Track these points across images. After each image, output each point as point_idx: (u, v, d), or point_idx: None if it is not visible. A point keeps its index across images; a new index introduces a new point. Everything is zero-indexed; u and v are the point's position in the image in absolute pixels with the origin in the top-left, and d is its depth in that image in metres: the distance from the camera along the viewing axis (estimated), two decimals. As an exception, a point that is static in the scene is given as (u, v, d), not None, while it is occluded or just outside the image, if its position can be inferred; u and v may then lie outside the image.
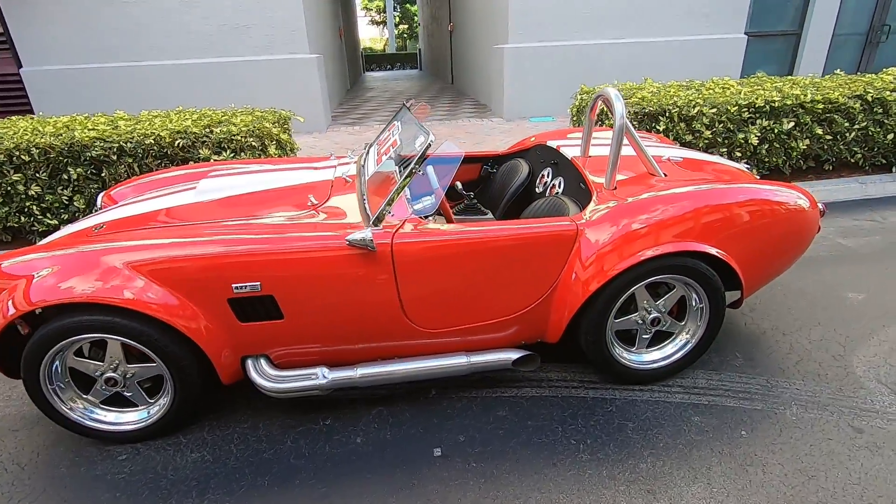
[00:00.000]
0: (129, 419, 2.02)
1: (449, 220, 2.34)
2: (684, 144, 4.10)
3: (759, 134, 4.09)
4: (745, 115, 4.04)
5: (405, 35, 34.71)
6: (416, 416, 2.11)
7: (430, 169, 2.30)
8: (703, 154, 2.76)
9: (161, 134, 3.63)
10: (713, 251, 2.03)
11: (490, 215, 2.77)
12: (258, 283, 1.89)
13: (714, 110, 4.00)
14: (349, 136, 6.87)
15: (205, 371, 2.00)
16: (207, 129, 3.74)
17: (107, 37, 6.62)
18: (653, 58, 7.49)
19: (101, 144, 3.58)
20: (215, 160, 3.70)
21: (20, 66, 6.68)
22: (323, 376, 2.01)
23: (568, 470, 1.83)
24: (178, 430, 2.07)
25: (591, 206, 2.10)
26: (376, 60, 26.51)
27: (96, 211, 2.52)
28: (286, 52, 6.91)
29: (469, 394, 2.23)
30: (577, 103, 4.59)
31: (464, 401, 2.19)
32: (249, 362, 2.01)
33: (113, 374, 1.93)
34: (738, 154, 4.18)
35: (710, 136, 4.06)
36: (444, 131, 6.88)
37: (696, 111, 3.99)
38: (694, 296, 2.15)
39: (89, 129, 3.68)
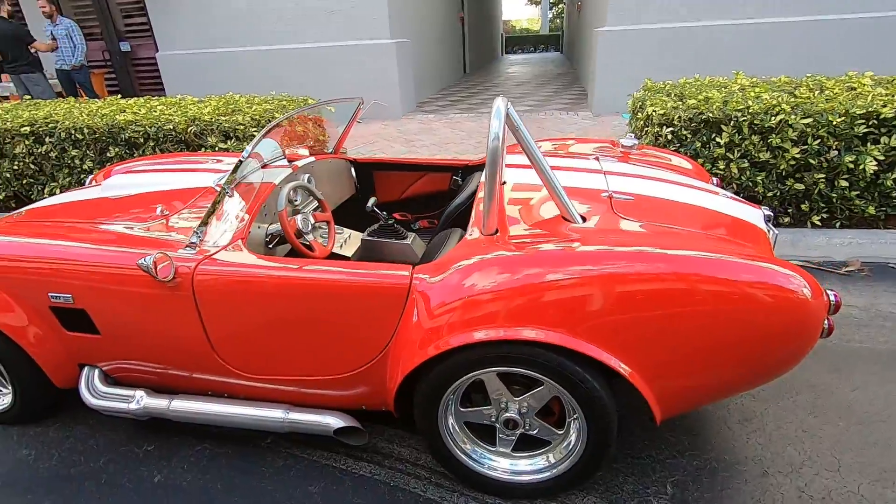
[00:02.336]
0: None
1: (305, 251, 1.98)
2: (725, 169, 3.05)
3: (881, 157, 2.86)
4: (861, 128, 2.84)
5: (562, 16, 33.15)
6: (226, 467, 1.85)
7: (283, 191, 1.96)
8: (694, 192, 1.95)
9: (177, 120, 3.83)
10: (583, 346, 1.38)
11: (409, 239, 2.33)
12: (70, 295, 1.81)
13: (808, 120, 2.88)
14: (418, 125, 6.66)
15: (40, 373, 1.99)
16: (218, 118, 3.84)
17: (217, 25, 7.31)
18: (795, 41, 5.83)
19: (133, 128, 3.91)
20: (220, 149, 3.80)
21: (157, 50, 7.76)
22: (137, 402, 1.87)
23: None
24: (25, 423, 2.12)
25: (449, 254, 1.58)
26: (519, 42, 25.74)
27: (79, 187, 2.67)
28: (366, 38, 6.90)
29: (300, 452, 1.90)
30: (631, 103, 3.72)
31: (289, 459, 1.87)
32: (84, 372, 1.96)
33: None
34: (845, 183, 2.97)
35: (799, 155, 2.94)
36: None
37: (777, 121, 2.91)
38: (569, 401, 1.51)
39: (125, 113, 4.04)
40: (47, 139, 4.10)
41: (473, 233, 1.65)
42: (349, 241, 2.38)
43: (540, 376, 1.45)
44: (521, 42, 26.05)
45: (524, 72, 13.30)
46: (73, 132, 4.02)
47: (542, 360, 1.41)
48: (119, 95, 5.33)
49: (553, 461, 1.61)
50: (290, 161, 2.33)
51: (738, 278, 1.38)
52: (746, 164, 3.06)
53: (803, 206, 3.10)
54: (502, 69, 14.47)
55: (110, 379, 2.01)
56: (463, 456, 1.64)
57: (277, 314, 1.66)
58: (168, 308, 1.72)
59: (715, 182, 2.39)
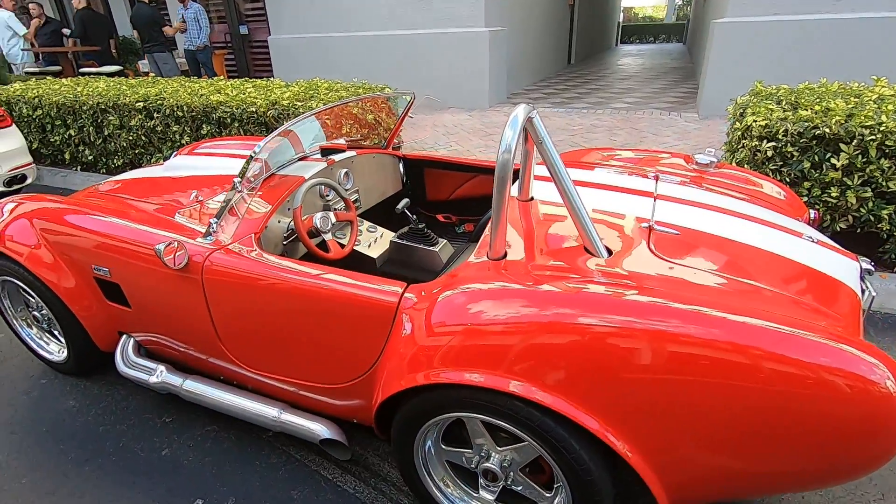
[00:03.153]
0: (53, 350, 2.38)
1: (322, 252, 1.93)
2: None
3: None
4: None
5: (690, 3, 30.30)
6: (224, 453, 1.90)
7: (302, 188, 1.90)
8: (770, 231, 1.58)
9: (259, 104, 4.02)
10: (576, 414, 1.16)
11: (439, 246, 2.19)
12: (108, 269, 1.94)
13: (964, 145, 2.26)
14: (504, 117, 6.43)
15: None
16: (295, 103, 3.97)
17: (318, 11, 7.60)
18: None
19: (222, 108, 4.18)
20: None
21: (269, 34, 8.29)
22: (157, 376, 1.97)
23: None
24: (79, 376, 2.34)
25: (449, 276, 1.43)
26: (637, 31, 23.94)
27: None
28: (459, 26, 6.76)
29: (295, 452, 1.89)
30: (732, 109, 3.22)
31: (282, 458, 1.87)
32: (122, 340, 2.11)
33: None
34: None
35: (945, 189, 2.33)
36: (599, 122, 5.80)
37: (917, 143, 2.32)
38: (554, 466, 1.29)
39: (218, 94, 4.33)
40: (155, 114, 4.54)
41: (479, 254, 1.48)
42: (380, 241, 2.31)
43: (520, 433, 1.26)
44: (641, 31, 24.19)
45: (635, 64, 12.32)
46: (175, 109, 4.40)
47: (523, 417, 1.22)
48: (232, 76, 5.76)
49: None
50: (327, 153, 2.29)
51: (796, 357, 1.07)
52: (869, 194, 2.49)
53: (944, 253, 2.47)
54: (612, 61, 13.55)
55: (143, 350, 2.15)
56: (437, 492, 1.51)
57: (273, 315, 1.64)
58: (182, 293, 1.77)
59: (812, 215, 1.96)
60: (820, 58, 5.15)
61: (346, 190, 2.33)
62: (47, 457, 1.93)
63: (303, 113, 3.47)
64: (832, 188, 2.55)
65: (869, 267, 1.51)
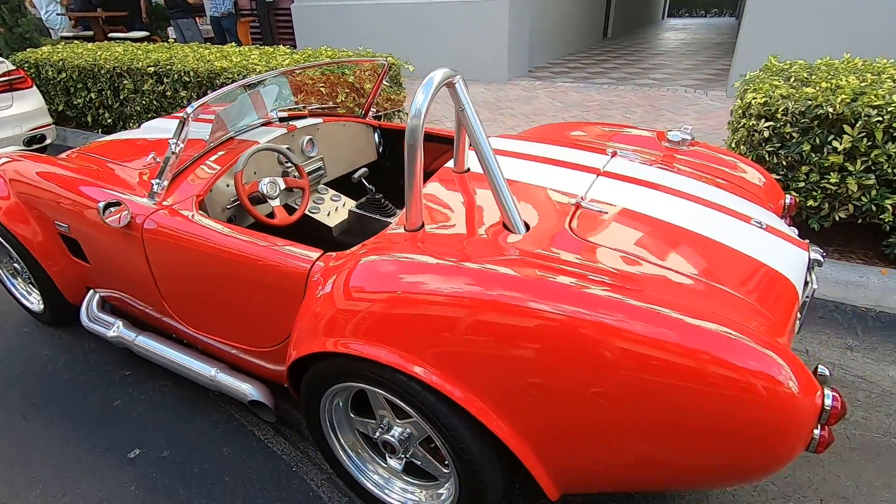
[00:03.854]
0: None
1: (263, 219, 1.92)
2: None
3: None
4: None
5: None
6: (171, 409, 1.96)
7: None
8: (715, 215, 1.47)
9: (259, 69, 4.03)
10: (451, 390, 1.12)
11: (395, 217, 2.16)
12: (67, 225, 2.01)
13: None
14: (520, 91, 6.23)
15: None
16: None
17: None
18: None
19: (225, 74, 4.21)
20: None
21: (293, 1, 8.25)
22: (115, 330, 2.05)
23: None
24: (56, 326, 2.47)
25: (362, 246, 1.41)
26: (686, 3, 22.55)
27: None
28: (480, -6, 6.54)
29: (235, 412, 1.93)
30: (739, 86, 2.99)
31: (222, 416, 1.92)
32: (88, 294, 2.20)
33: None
34: None
35: (959, 178, 2.10)
36: (618, 99, 5.52)
37: (930, 126, 2.09)
38: (438, 441, 1.26)
39: (223, 61, 4.35)
40: (165, 79, 4.63)
41: (398, 225, 1.44)
42: (341, 210, 2.29)
43: (406, 407, 1.23)
44: (691, 3, 22.78)
45: (677, 39, 11.65)
46: (182, 75, 4.47)
47: (404, 391, 1.20)
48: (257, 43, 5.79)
49: (423, 501, 1.41)
50: (292, 119, 2.27)
51: (681, 343, 0.99)
52: (872, 181, 2.28)
53: (954, 250, 2.24)
54: (652, 35, 12.86)
55: (108, 306, 2.23)
56: (344, 457, 1.51)
57: (205, 277, 1.66)
58: (128, 250, 1.82)
59: (788, 201, 1.82)
60: (879, 32, 4.69)
61: (310, 158, 2.31)
62: (12, 399, 2.05)
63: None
64: (832, 174, 2.35)
65: (818, 257, 1.38)
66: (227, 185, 1.95)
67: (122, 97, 5.00)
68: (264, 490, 1.63)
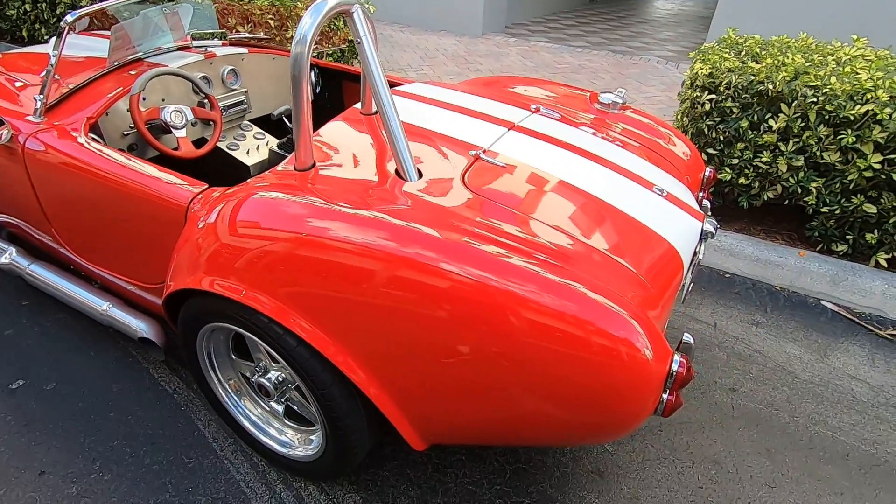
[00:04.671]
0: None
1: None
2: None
3: None
4: None
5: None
6: (65, 341, 1.89)
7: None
8: (615, 178, 1.44)
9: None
10: (287, 318, 1.10)
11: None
12: (-51, 140, 1.85)
13: (909, 117, 2.03)
14: (491, 47, 6.02)
15: None
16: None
17: None
18: None
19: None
20: (236, 30, 3.67)
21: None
22: (7, 257, 1.93)
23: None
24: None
25: (246, 183, 1.33)
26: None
27: None
28: (461, -63, 6.17)
29: (134, 350, 1.87)
30: (693, 57, 2.93)
31: (119, 353, 1.86)
32: None
33: None
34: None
35: (881, 167, 2.13)
36: (589, 64, 5.40)
37: (861, 111, 2.09)
38: (304, 388, 1.24)
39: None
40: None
41: (289, 162, 1.36)
42: (262, 149, 2.18)
43: (272, 352, 1.20)
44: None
45: (664, 9, 11.39)
46: (123, -8, 4.12)
47: (280, 344, 1.16)
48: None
49: (294, 443, 1.41)
50: (211, 46, 2.11)
51: (539, 299, 0.97)
52: (801, 163, 2.29)
53: (869, 237, 2.30)
54: (641, 2, 12.55)
55: (6, 231, 2.10)
56: (223, 395, 1.48)
57: (90, 204, 1.56)
58: (9, 170, 1.69)
59: (708, 174, 1.80)
60: (860, 13, 4.64)
61: (231, 91, 2.17)
62: None
63: None
64: (765, 152, 2.35)
65: (711, 229, 1.38)
66: (128, 110, 1.81)
67: (58, 12, 4.60)
68: (148, 427, 1.59)
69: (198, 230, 1.24)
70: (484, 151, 1.40)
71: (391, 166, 1.32)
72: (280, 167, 1.35)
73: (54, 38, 1.53)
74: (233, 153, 2.10)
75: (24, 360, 1.81)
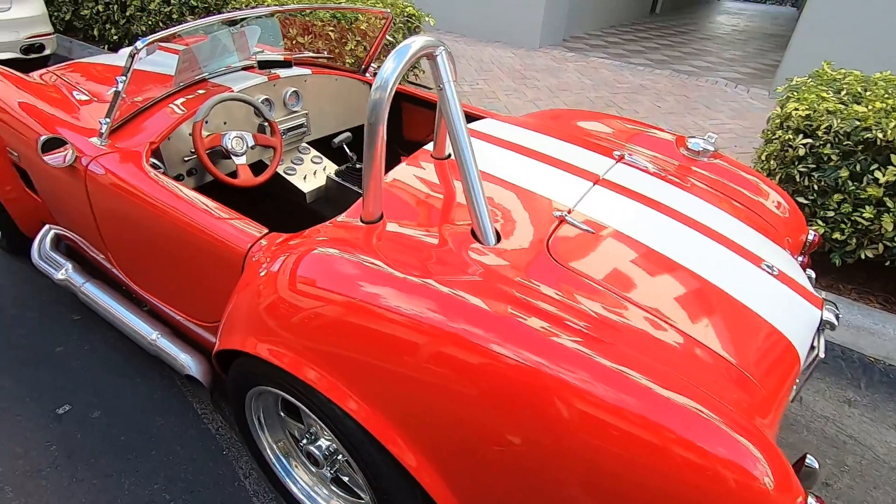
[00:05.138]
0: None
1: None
2: None
3: None
4: None
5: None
6: (115, 364, 1.86)
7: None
8: (721, 252, 1.26)
9: (268, 1, 3.74)
10: (351, 406, 0.99)
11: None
12: (17, 153, 1.85)
13: None
14: (549, 61, 5.84)
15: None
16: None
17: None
18: None
19: (234, 3, 3.92)
20: (296, 42, 3.65)
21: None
22: (64, 272, 1.92)
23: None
24: (14, 255, 2.35)
25: (312, 232, 1.23)
26: (748, -13, 21.01)
27: None
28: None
29: (179, 380, 1.82)
30: (782, 91, 2.68)
31: (165, 382, 1.81)
32: (43, 230, 2.06)
33: None
34: None
35: None
36: (651, 84, 5.14)
37: None
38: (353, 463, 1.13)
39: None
40: (172, 1, 4.34)
41: (353, 212, 1.25)
42: (320, 174, 2.10)
43: (322, 425, 1.10)
44: (752, -13, 21.25)
45: (729, 24, 10.89)
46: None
47: (331, 420, 1.05)
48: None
49: None
50: (275, 66, 2.04)
51: (648, 417, 0.83)
52: (911, 223, 2.03)
53: None
54: (704, 16, 12.04)
55: (63, 245, 2.10)
56: (270, 455, 1.39)
57: (147, 234, 1.50)
58: (72, 190, 1.67)
59: (812, 237, 1.60)
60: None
61: (293, 113, 2.10)
62: (-47, 330, 1.95)
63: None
64: (867, 207, 2.10)
65: (832, 319, 1.19)
66: (190, 134, 1.76)
67: (128, 14, 4.72)
68: (188, 471, 1.53)
69: (255, 281, 1.15)
70: (569, 212, 1.26)
71: (466, 223, 1.20)
72: (345, 217, 1.25)
73: (126, 56, 1.47)
74: (290, 178, 2.03)
75: (72, 382, 1.78)
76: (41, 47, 4.47)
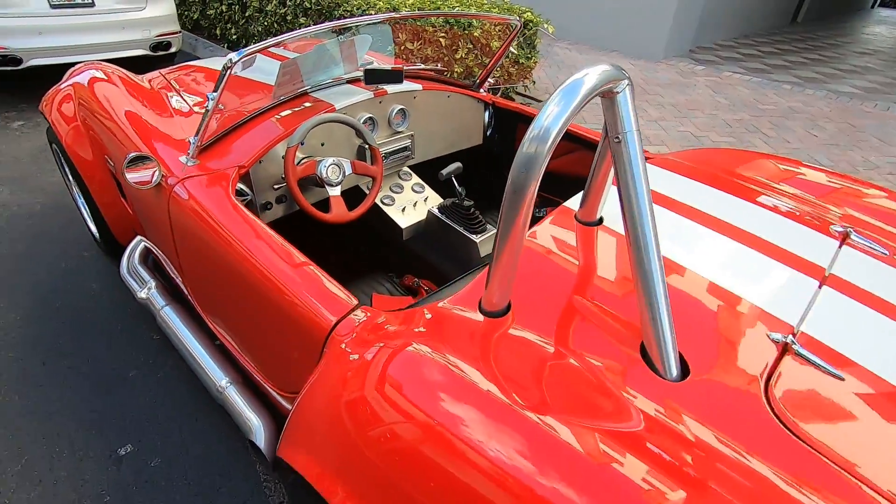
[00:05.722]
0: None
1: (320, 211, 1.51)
2: None
3: None
4: None
5: None
6: (183, 399, 1.70)
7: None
8: None
9: (380, 5, 3.57)
10: None
11: (481, 236, 1.63)
12: (113, 163, 1.76)
13: None
14: (674, 75, 5.20)
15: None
16: (419, 9, 3.44)
17: None
18: None
19: (343, 7, 3.81)
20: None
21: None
22: (146, 291, 1.80)
23: None
24: (113, 258, 2.32)
25: (420, 313, 0.93)
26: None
27: None
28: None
29: (237, 433, 1.62)
30: None
31: (232, 430, 1.62)
32: (134, 241, 1.98)
33: None
34: None
35: None
36: (803, 107, 4.33)
37: None
38: None
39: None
40: (288, 2, 4.35)
41: (467, 296, 0.93)
42: (421, 205, 1.82)
43: None
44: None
45: (891, 36, 9.31)
46: (303, 1, 4.15)
47: None
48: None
49: None
50: (381, 81, 1.78)
51: None
52: None
53: None
54: (857, 27, 10.44)
55: (151, 259, 2.01)
56: None
57: (222, 272, 1.29)
58: (155, 208, 1.52)
59: None
60: None
61: (397, 133, 1.83)
62: (44, 335, 1.91)
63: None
64: None
65: None
66: (283, 157, 1.55)
67: (247, 14, 4.84)
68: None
69: (337, 379, 0.87)
70: (794, 334, 0.84)
71: (632, 335, 0.83)
72: (448, 302, 0.93)
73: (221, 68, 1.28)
74: (386, 209, 1.77)
75: (138, 414, 1.64)
76: (168, 45, 4.68)
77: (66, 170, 2.29)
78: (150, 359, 1.85)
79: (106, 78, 1.96)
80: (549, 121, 0.70)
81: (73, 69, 2.13)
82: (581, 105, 0.71)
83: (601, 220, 1.10)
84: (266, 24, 4.66)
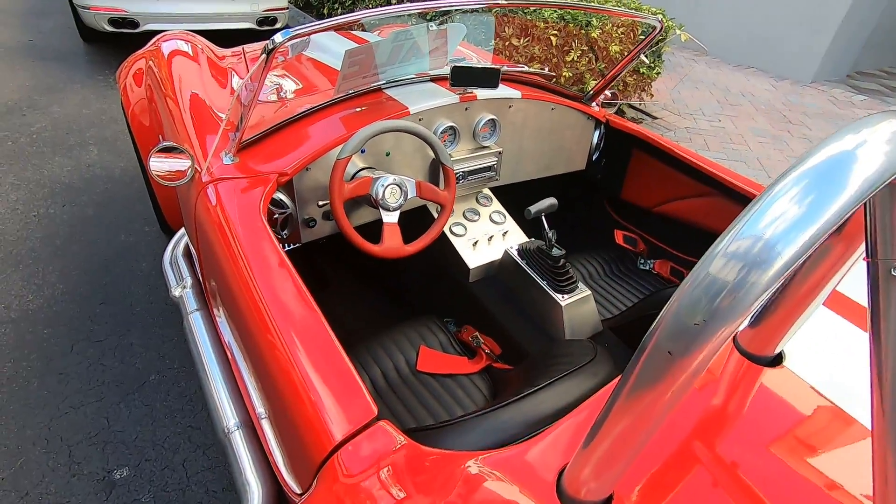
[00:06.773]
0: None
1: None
2: None
3: None
4: None
5: None
6: (192, 423, 1.50)
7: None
8: None
9: None
10: None
11: (568, 298, 1.25)
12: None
13: None
14: (823, 102, 4.36)
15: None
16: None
17: None
18: None
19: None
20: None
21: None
22: (181, 288, 1.62)
23: None
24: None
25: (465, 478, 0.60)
26: None
27: None
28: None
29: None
30: None
31: (226, 471, 1.39)
32: (181, 230, 1.83)
33: None
34: None
35: None
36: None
37: None
38: None
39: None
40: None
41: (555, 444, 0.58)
42: (498, 240, 1.46)
43: None
44: None
45: None
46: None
47: None
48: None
49: None
50: (470, 83, 1.43)
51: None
52: None
53: None
54: None
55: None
56: None
57: (236, 308, 1.04)
58: (187, 206, 1.31)
59: None
60: None
61: (482, 148, 1.49)
62: (82, 314, 1.82)
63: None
64: None
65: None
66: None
67: (355, -5, 4.71)
68: None
69: None
70: None
71: None
72: (517, 457, 0.58)
73: (264, 56, 0.99)
74: (454, 241, 1.43)
75: (143, 436, 1.46)
76: (274, 20, 4.67)
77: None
78: (175, 363, 1.68)
79: (191, 53, 1.80)
80: (793, 255, 0.33)
81: (159, 36, 2.00)
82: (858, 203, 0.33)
83: (780, 357, 0.68)
84: (372, 4, 4.50)
